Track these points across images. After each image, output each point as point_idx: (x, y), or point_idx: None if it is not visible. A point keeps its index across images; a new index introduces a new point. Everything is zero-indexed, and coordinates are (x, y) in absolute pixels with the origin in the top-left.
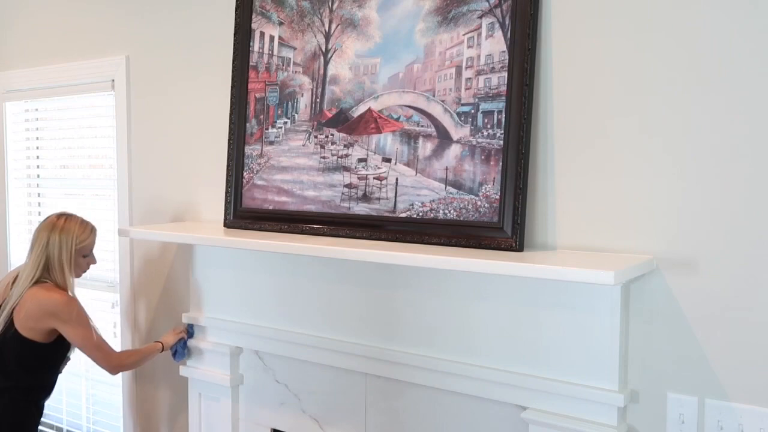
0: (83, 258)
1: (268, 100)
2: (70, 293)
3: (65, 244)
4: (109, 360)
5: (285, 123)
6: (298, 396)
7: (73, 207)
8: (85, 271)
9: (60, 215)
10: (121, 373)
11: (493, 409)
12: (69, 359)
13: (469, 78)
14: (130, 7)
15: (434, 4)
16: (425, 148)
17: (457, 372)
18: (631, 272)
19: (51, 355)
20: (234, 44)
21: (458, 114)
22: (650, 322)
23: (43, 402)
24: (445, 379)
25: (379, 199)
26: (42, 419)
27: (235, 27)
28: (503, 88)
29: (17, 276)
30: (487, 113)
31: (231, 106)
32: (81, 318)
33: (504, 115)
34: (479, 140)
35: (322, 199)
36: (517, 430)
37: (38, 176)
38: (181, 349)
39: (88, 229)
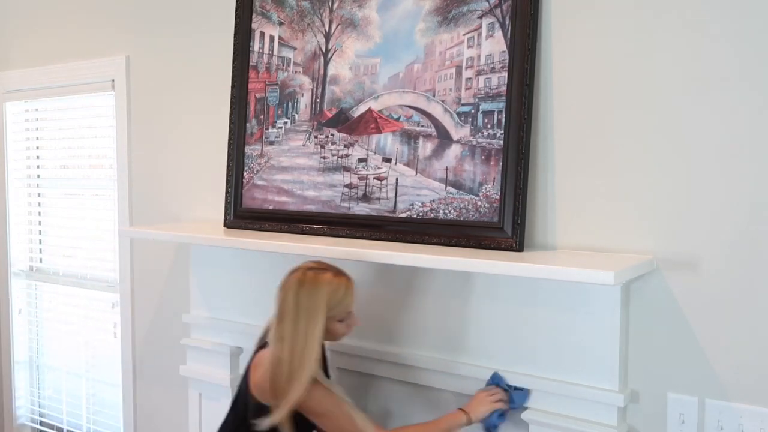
0: (339, 323)
1: (269, 100)
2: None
3: (314, 315)
4: None
5: (285, 123)
6: None
7: (73, 207)
8: (345, 334)
9: (308, 269)
10: (121, 372)
11: None
12: None
13: (469, 78)
14: (130, 7)
15: (434, 4)
16: (425, 148)
17: (458, 372)
18: (631, 272)
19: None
20: (234, 44)
21: (458, 114)
22: (650, 322)
23: None
24: (446, 379)
25: (379, 199)
26: (42, 419)
27: (235, 27)
28: (503, 88)
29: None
30: (487, 113)
31: (231, 106)
32: (332, 403)
33: (504, 115)
34: (479, 140)
35: (323, 199)
36: (518, 430)
37: (38, 176)
38: (495, 424)
39: (342, 287)
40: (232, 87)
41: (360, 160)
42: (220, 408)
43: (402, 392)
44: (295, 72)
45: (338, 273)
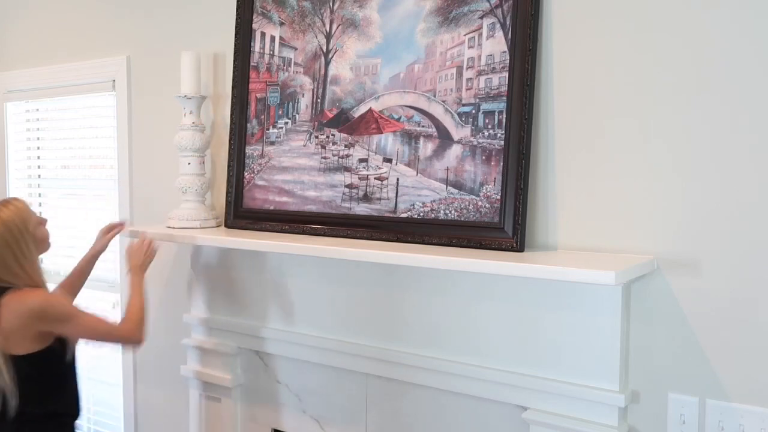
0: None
1: (269, 101)
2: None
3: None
4: (120, 333)
5: (286, 123)
6: (299, 396)
7: (74, 207)
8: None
9: None
10: (121, 372)
11: (493, 409)
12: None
13: (470, 78)
14: (131, 7)
15: (435, 5)
16: (426, 148)
17: (458, 372)
18: (632, 272)
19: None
20: (235, 44)
21: (459, 114)
22: (651, 323)
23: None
24: (446, 380)
25: (379, 199)
26: None
27: (236, 27)
28: (504, 89)
29: None
30: (488, 113)
31: (232, 107)
32: (71, 309)
33: (505, 116)
34: (480, 140)
35: (323, 199)
36: (518, 431)
37: (39, 176)
38: None
39: (14, 208)
40: (232, 87)
41: (361, 161)
42: (221, 408)
43: (401, 391)
44: (296, 72)
45: (4, 203)
